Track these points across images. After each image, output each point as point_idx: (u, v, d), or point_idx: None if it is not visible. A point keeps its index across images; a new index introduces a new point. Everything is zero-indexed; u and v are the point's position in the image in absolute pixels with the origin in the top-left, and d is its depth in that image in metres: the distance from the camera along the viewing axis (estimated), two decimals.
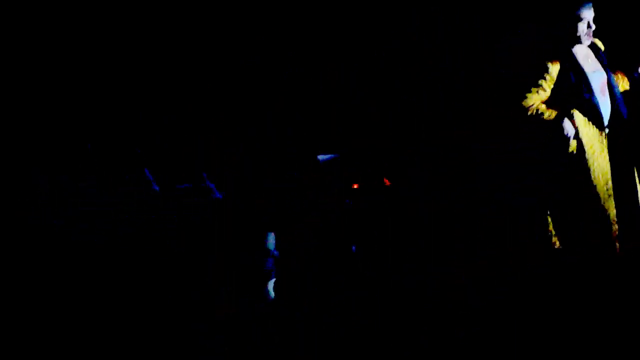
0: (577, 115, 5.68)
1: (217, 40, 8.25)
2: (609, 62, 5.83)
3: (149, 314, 5.74)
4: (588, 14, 5.67)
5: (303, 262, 6.30)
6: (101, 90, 8.20)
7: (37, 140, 7.84)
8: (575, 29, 5.67)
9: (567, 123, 5.64)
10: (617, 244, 5.70)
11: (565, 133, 5.64)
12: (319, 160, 7.65)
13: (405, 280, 6.10)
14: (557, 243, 5.73)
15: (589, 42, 5.74)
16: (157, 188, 7.41)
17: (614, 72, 5.84)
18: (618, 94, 5.77)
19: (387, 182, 7.48)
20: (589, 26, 5.68)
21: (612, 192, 5.72)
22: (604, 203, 5.70)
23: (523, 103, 5.69)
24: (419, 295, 5.92)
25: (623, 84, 5.90)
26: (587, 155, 5.70)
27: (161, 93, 8.21)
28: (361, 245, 6.56)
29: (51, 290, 5.98)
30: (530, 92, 5.70)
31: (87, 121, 8.13)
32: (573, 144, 5.69)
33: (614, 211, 5.71)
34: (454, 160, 7.53)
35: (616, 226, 5.71)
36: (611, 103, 5.76)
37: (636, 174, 5.79)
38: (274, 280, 5.92)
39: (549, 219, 5.75)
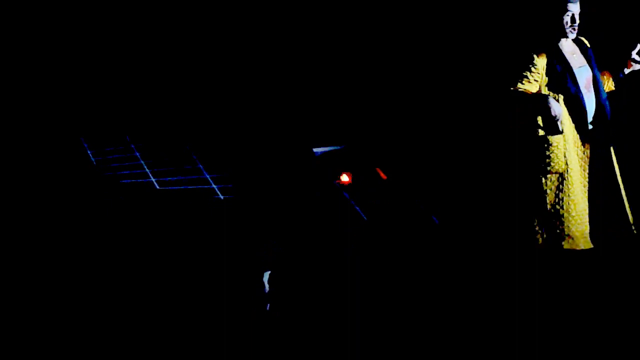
0: (562, 107, 5.68)
1: (217, 40, 8.25)
2: (595, 61, 5.84)
3: (149, 314, 5.74)
4: (574, 7, 5.70)
5: (302, 262, 6.30)
6: (101, 91, 8.21)
7: (38, 140, 7.85)
8: (560, 20, 5.69)
9: (553, 102, 5.61)
10: (588, 238, 5.70)
11: (553, 113, 5.61)
12: (315, 153, 7.66)
13: (406, 280, 6.11)
14: (541, 240, 5.72)
15: (573, 36, 5.75)
16: (156, 186, 7.41)
17: (601, 72, 5.85)
18: (603, 91, 5.77)
19: (382, 175, 7.48)
20: (573, 19, 5.70)
21: (587, 187, 5.73)
22: (580, 197, 5.70)
23: (511, 88, 5.70)
24: (418, 295, 5.93)
25: (609, 84, 5.91)
26: (567, 148, 5.70)
27: (161, 93, 8.22)
28: (361, 246, 6.58)
29: (51, 290, 5.98)
30: (516, 83, 5.71)
31: (87, 121, 8.14)
32: (556, 139, 5.67)
33: (587, 207, 5.71)
34: (454, 160, 7.53)
35: (587, 224, 5.70)
36: (596, 100, 5.77)
37: (617, 173, 5.78)
38: (269, 272, 5.91)
39: (534, 216, 5.75)
